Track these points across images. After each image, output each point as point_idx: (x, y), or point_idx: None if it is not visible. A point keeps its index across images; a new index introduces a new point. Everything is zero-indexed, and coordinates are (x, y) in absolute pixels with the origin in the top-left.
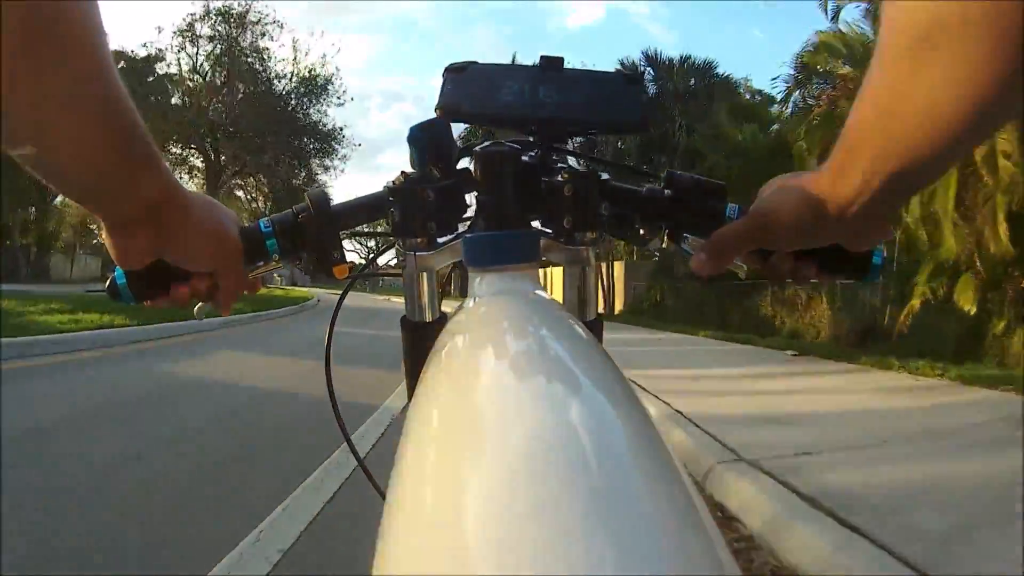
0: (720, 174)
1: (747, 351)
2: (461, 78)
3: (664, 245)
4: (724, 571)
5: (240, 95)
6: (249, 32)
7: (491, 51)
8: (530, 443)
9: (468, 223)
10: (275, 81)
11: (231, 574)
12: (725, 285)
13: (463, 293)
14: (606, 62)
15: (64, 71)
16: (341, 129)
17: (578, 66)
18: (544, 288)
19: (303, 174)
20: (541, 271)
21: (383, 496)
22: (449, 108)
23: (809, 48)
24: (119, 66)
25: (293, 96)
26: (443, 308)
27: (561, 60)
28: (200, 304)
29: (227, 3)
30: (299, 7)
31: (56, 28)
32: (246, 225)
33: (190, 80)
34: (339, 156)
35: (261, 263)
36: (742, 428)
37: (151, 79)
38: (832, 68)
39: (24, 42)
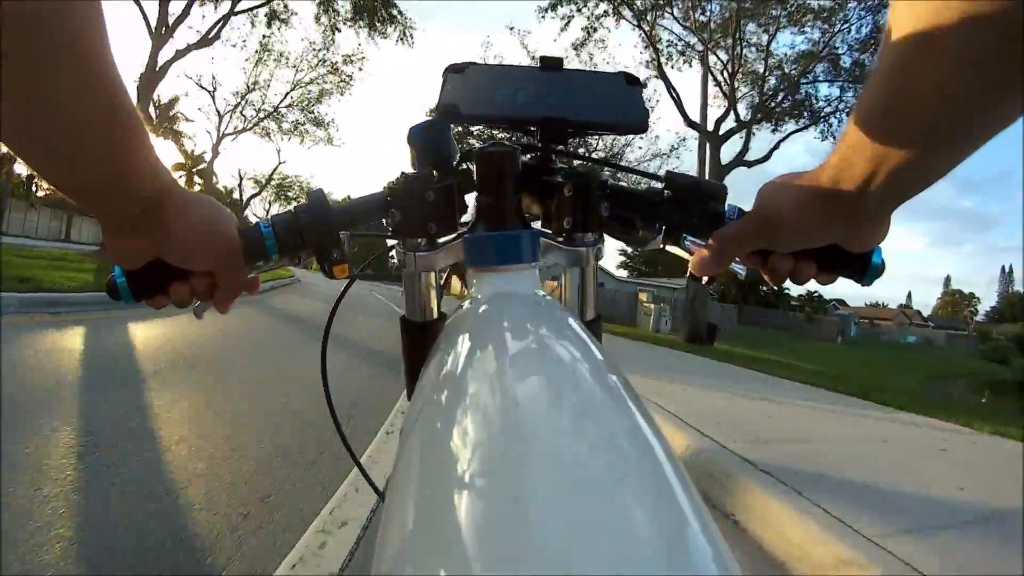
0: None
1: None
2: (461, 79)
3: (664, 246)
4: (724, 571)
5: None
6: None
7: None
8: (530, 443)
9: (468, 223)
10: None
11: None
12: None
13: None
14: None
15: (64, 71)
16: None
17: None
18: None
19: None
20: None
21: (380, 496)
22: (449, 109)
23: None
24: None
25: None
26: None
27: (561, 60)
28: (199, 303)
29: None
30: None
31: (56, 28)
32: (245, 225)
33: None
34: None
35: (260, 263)
36: None
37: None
38: None
39: (24, 42)
